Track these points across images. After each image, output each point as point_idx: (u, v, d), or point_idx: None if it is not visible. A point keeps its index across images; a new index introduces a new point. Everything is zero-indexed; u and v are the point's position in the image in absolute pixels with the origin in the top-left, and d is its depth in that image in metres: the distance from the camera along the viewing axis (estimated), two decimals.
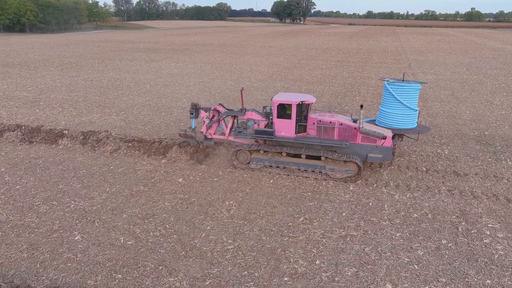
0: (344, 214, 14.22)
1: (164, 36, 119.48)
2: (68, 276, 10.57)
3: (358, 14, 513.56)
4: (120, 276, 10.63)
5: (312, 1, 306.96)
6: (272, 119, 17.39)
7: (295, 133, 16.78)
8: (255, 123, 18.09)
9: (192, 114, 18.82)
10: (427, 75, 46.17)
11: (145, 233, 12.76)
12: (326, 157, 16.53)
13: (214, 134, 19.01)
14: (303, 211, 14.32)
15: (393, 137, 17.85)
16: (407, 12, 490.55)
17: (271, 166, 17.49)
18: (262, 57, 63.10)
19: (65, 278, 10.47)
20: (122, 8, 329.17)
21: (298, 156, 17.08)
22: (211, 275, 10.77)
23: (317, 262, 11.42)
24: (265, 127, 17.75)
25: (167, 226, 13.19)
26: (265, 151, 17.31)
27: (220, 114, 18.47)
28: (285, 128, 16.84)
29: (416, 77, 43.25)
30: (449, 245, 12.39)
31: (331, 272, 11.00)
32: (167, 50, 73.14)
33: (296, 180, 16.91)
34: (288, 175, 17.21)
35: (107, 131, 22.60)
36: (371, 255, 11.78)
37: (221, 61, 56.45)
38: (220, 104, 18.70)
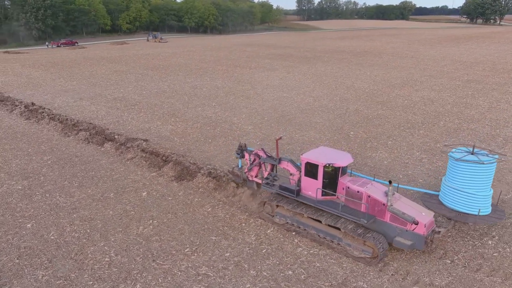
0: (227, 254, 15.35)
1: (317, 39, 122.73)
2: None
3: None
4: (17, 261, 14.79)
5: None
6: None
7: (321, 195, 15.73)
8: (291, 175, 17.23)
9: (238, 154, 19.12)
10: None
11: (70, 232, 16.68)
12: (344, 230, 14.95)
13: (255, 176, 18.77)
14: (197, 243, 16.01)
15: (450, 219, 16.07)
16: None
17: (293, 225, 16.70)
18: (384, 69, 60.36)
19: None
20: (304, 7, 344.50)
21: (319, 220, 15.77)
22: (62, 277, 13.95)
23: None
24: (298, 181, 16.71)
25: (88, 231, 16.84)
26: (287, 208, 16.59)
27: (260, 158, 18.29)
28: (311, 188, 15.88)
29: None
30: None
31: None
32: (297, 57, 76.32)
33: (229, 213, 18.35)
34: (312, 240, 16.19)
35: (146, 140, 27.55)
36: None
37: (333, 73, 56.68)
38: (262, 149, 18.41)
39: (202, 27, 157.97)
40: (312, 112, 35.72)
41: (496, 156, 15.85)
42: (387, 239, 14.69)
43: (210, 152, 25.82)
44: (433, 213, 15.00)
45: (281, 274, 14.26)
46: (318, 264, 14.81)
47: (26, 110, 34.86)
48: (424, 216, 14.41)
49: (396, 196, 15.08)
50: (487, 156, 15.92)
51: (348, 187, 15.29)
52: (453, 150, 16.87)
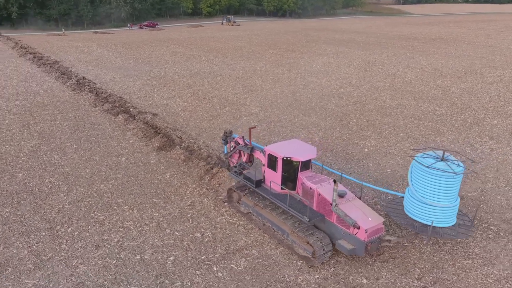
0: (156, 214, 17.34)
1: (397, 25, 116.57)
2: None
3: None
4: None
5: None
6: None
7: (280, 189, 15.48)
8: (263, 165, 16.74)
9: (224, 140, 19.12)
10: None
11: (46, 183, 19.98)
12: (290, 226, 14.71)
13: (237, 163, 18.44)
14: (138, 203, 18.22)
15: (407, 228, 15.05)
16: None
17: (254, 215, 16.75)
18: (444, 58, 56.55)
19: None
20: None
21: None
22: (19, 215, 17.14)
23: (75, 233, 15.93)
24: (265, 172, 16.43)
25: (60, 183, 20.01)
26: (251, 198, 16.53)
27: (238, 146, 18.20)
28: (272, 180, 15.76)
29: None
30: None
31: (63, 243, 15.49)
32: (359, 43, 74.15)
33: (182, 182, 20.28)
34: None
35: (155, 114, 30.51)
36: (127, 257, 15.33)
37: (383, 60, 54.69)
38: (242, 137, 18.20)
39: (281, 11, 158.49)
40: (329, 98, 35.68)
41: (458, 169, 13.90)
42: (334, 241, 14.10)
43: (204, 128, 27.82)
44: (382, 220, 13.80)
45: (190, 235, 15.89)
46: (228, 231, 16.13)
47: (76, 83, 40.02)
48: (369, 221, 13.39)
49: (349, 196, 14.40)
50: (454, 164, 14.05)
51: (303, 183, 14.93)
52: (424, 153, 15.20)
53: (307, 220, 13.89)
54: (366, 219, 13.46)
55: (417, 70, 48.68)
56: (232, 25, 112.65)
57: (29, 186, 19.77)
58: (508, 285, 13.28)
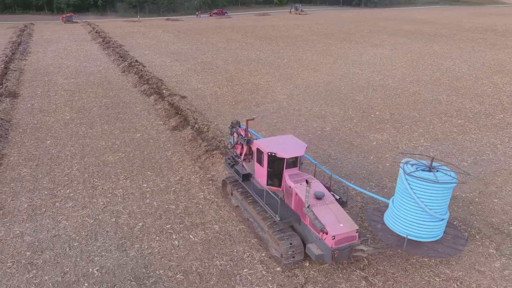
0: (145, 185, 18.93)
1: (481, 16, 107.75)
2: (13, 153, 22.32)
3: None
4: (21, 161, 21.35)
5: None
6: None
7: (266, 184, 14.88)
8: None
9: (231, 131, 18.39)
10: None
11: (65, 151, 22.55)
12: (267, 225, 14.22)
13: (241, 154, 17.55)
14: (134, 174, 19.93)
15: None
16: None
17: (241, 209, 16.55)
18: None
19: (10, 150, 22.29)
20: None
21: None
22: (33, 175, 19.78)
23: (71, 195, 18.13)
24: None
25: (77, 152, 22.48)
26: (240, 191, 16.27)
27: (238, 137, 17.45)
28: (260, 175, 15.28)
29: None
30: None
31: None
32: (425, 34, 70.13)
33: (180, 159, 21.71)
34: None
35: (184, 97, 32.38)
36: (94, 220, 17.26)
37: (443, 53, 51.52)
38: (245, 128, 17.16)
39: (355, 0, 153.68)
40: (362, 90, 34.84)
41: (446, 179, 12.62)
42: (302, 244, 13.53)
43: (222, 112, 28.99)
44: (356, 227, 12.68)
45: (166, 206, 17.23)
46: (201, 207, 17.20)
47: (127, 65, 43.41)
48: (340, 228, 12.47)
49: (327, 199, 13.54)
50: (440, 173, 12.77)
51: (285, 181, 14.44)
52: (404, 160, 14.08)
53: (278, 219, 13.40)
54: (337, 225, 12.52)
55: (476, 64, 45.15)
56: (299, 14, 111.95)
57: (51, 152, 22.51)
58: (456, 286, 12.72)
